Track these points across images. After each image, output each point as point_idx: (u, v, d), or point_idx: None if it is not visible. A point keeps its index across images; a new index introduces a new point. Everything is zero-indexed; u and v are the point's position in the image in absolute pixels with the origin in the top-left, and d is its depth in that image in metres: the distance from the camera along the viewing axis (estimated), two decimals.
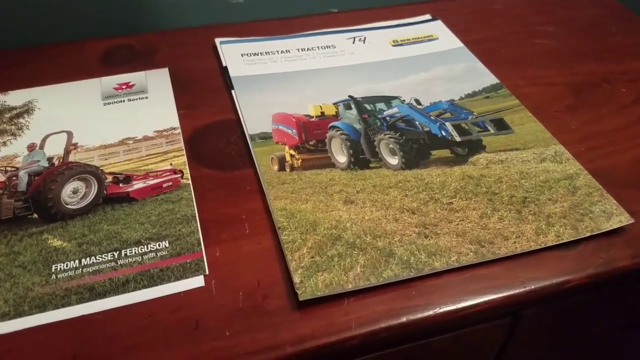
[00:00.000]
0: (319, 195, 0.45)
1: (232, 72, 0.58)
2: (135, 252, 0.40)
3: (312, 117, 0.53)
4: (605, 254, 0.41)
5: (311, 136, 0.51)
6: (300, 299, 0.36)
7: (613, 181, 0.47)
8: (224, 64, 0.59)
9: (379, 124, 0.53)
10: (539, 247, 0.40)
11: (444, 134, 0.51)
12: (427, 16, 0.69)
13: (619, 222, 0.42)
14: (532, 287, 0.39)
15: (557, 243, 0.41)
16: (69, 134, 0.51)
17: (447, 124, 0.52)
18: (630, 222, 0.42)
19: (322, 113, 0.54)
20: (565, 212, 0.43)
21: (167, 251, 0.40)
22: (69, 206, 0.44)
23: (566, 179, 0.46)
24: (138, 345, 0.35)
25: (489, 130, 0.52)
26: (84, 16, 0.70)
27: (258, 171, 0.47)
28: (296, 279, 0.37)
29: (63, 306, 0.36)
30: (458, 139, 0.51)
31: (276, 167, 0.47)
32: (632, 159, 0.49)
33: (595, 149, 0.50)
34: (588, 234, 0.41)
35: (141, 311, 0.37)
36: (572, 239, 0.41)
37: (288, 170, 0.47)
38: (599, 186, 0.45)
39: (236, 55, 0.60)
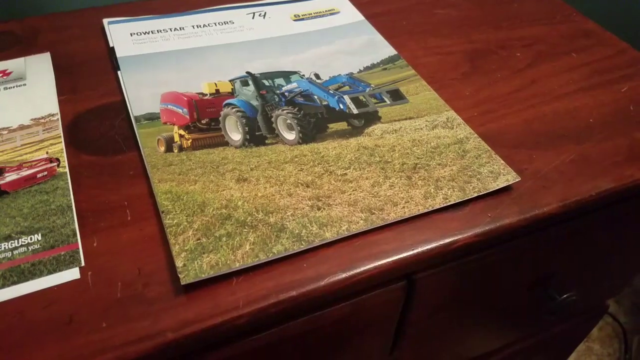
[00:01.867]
0: (210, 175, 0.43)
1: (120, 53, 0.54)
2: (4, 247, 0.37)
3: (206, 94, 0.51)
4: (493, 212, 0.41)
5: (204, 115, 0.49)
6: (182, 283, 0.35)
7: (504, 142, 0.47)
8: (111, 45, 0.56)
9: (277, 99, 0.51)
10: (427, 210, 0.40)
11: (341, 107, 0.50)
12: None
13: (506, 181, 0.43)
14: (421, 249, 0.39)
15: (445, 205, 0.41)
16: None
17: (345, 97, 0.51)
18: (517, 180, 0.43)
19: (217, 91, 0.51)
20: (454, 175, 0.43)
21: (40, 244, 0.37)
22: None
23: (456, 144, 0.46)
24: (5, 347, 0.32)
25: (385, 102, 0.51)
26: None
27: (142, 154, 0.44)
28: (179, 263, 0.36)
29: None
30: (355, 111, 0.50)
31: (163, 149, 0.45)
32: (523, 120, 0.50)
33: (487, 113, 0.51)
34: (475, 195, 0.42)
35: (9, 310, 0.34)
36: (460, 200, 0.41)
37: (176, 151, 0.45)
38: (488, 148, 0.46)
39: (125, 35, 0.57)
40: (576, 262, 0.56)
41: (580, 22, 0.65)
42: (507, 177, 0.43)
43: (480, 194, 0.42)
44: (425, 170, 0.44)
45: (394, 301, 0.44)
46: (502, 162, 0.44)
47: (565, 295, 0.53)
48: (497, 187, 0.42)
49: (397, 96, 0.52)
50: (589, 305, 0.73)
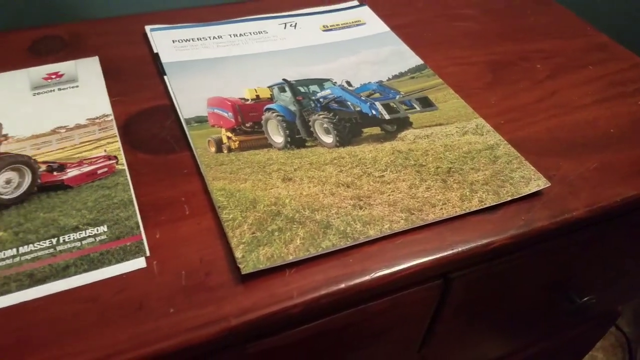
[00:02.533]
0: (258, 175, 0.46)
1: (164, 58, 0.57)
2: (73, 237, 0.40)
3: (248, 100, 0.54)
4: (526, 216, 0.44)
5: (247, 118, 0.52)
6: (243, 272, 0.37)
7: (530, 149, 0.51)
8: (155, 51, 0.59)
9: (313, 105, 0.54)
10: (463, 212, 0.44)
11: (374, 112, 0.54)
12: (355, 2, 0.71)
13: (537, 186, 0.46)
14: (460, 249, 0.42)
15: (481, 208, 0.44)
16: None
17: (377, 103, 0.55)
18: (547, 185, 0.46)
19: (257, 96, 0.55)
20: (487, 179, 0.46)
21: (106, 235, 0.40)
22: (3, 196, 0.43)
23: (487, 149, 0.49)
24: (82, 328, 0.35)
25: (415, 108, 0.54)
26: (8, 7, 0.67)
27: (195, 153, 0.47)
28: (238, 254, 0.39)
29: (2, 294, 0.36)
30: (387, 116, 0.53)
31: (213, 149, 0.48)
32: (547, 129, 0.53)
33: (513, 121, 0.54)
34: (509, 198, 0.45)
35: (83, 295, 0.37)
36: (495, 204, 0.44)
37: (225, 151, 0.48)
38: (518, 154, 0.49)
39: (167, 41, 0.60)
40: (596, 266, 0.59)
41: (595, 36, 0.69)
42: (538, 182, 0.46)
43: (514, 197, 0.45)
44: (459, 174, 0.47)
45: (429, 299, 0.47)
46: (532, 167, 0.48)
47: (586, 298, 0.56)
48: (530, 192, 0.45)
49: (426, 103, 0.55)
50: (603, 310, 0.76)
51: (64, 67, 0.57)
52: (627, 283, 0.70)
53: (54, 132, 0.49)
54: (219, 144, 0.48)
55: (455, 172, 0.47)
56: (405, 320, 0.48)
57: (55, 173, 0.45)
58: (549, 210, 0.45)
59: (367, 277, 0.39)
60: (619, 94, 0.59)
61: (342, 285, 0.38)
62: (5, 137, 0.48)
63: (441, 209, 0.44)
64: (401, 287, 0.43)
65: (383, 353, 0.51)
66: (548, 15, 0.73)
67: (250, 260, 0.38)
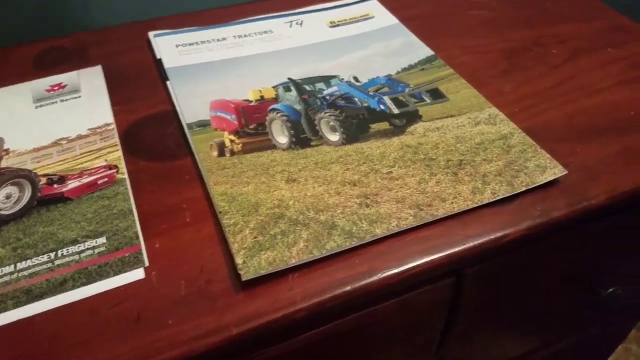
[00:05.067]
0: (261, 177, 0.44)
1: (167, 64, 0.57)
2: (72, 251, 0.39)
3: (252, 101, 0.52)
4: (542, 206, 0.42)
5: (251, 120, 0.50)
6: (243, 279, 0.36)
7: (548, 136, 0.48)
8: (158, 57, 0.58)
9: (319, 103, 0.53)
10: (475, 205, 0.41)
11: (382, 107, 0.52)
12: None
13: (553, 175, 0.43)
14: (472, 243, 0.39)
15: (494, 200, 0.42)
16: (0, 141, 0.49)
17: (385, 97, 0.53)
18: (564, 173, 0.43)
19: (262, 97, 0.53)
20: (501, 170, 0.44)
21: (105, 247, 0.39)
22: (2, 212, 0.42)
23: (500, 139, 0.47)
24: (81, 342, 0.34)
25: (425, 101, 0.52)
26: (14, 21, 0.67)
27: (197, 158, 0.46)
28: (239, 260, 0.37)
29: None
30: (396, 111, 0.51)
31: (215, 153, 0.47)
32: (565, 115, 0.50)
33: (529, 108, 0.51)
34: (524, 189, 0.42)
35: (82, 308, 0.36)
36: (509, 195, 0.42)
37: (228, 155, 0.47)
38: (533, 142, 0.46)
39: (171, 46, 0.59)
40: (621, 255, 0.55)
41: (613, 17, 0.65)
42: (554, 170, 0.44)
43: (529, 187, 0.42)
44: (471, 166, 0.44)
45: (442, 298, 0.44)
46: (548, 155, 0.45)
47: (611, 290, 0.53)
48: (545, 181, 0.43)
49: (437, 95, 0.53)
50: (631, 301, 0.72)
51: (67, 78, 0.56)
52: None
53: (55, 144, 0.48)
54: (221, 148, 0.47)
55: (466, 164, 0.45)
56: (418, 321, 0.46)
57: (55, 185, 0.45)
58: (567, 198, 0.42)
59: (374, 278, 0.37)
60: (639, 76, 0.56)
61: (348, 288, 0.37)
62: (7, 151, 0.47)
63: (452, 203, 0.41)
64: (411, 286, 0.41)
65: (397, 356, 0.49)
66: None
67: (251, 266, 0.37)
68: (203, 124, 0.49)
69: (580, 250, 0.51)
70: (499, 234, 0.40)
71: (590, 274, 0.54)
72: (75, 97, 0.54)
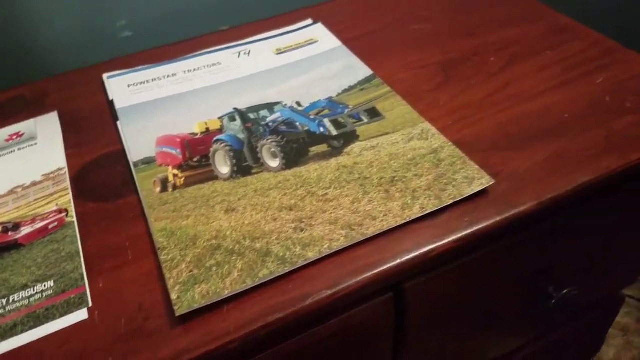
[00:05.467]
0: (201, 209, 0.46)
1: (118, 104, 0.59)
2: (22, 296, 0.41)
3: (197, 134, 0.55)
4: (469, 217, 0.43)
5: (195, 153, 0.52)
6: (177, 314, 0.38)
7: (479, 147, 0.49)
8: (110, 98, 0.60)
9: (262, 130, 0.55)
10: (404, 221, 0.43)
11: (322, 130, 0.53)
12: (309, 21, 0.71)
13: (480, 185, 0.45)
14: (401, 260, 0.41)
15: (423, 214, 0.43)
16: None
17: (325, 120, 0.54)
18: (491, 183, 0.45)
19: (207, 129, 0.55)
20: (430, 184, 0.45)
21: (53, 290, 0.41)
22: None
23: (431, 154, 0.48)
24: None
25: (363, 120, 0.54)
26: None
27: (141, 196, 0.48)
28: (173, 296, 0.39)
29: None
30: (334, 132, 0.53)
31: (159, 189, 0.49)
32: (498, 124, 0.52)
33: (462, 120, 0.53)
34: (451, 201, 0.44)
35: (29, 352, 0.38)
36: (436, 208, 0.43)
37: (170, 190, 0.48)
38: (462, 155, 0.48)
39: (123, 87, 0.62)
40: (570, 256, 0.57)
41: (553, 19, 0.67)
42: (482, 180, 0.45)
43: (456, 200, 0.44)
44: (403, 182, 0.46)
45: (383, 313, 0.46)
46: (476, 167, 0.46)
47: (564, 292, 0.54)
48: (472, 192, 0.44)
49: (374, 114, 0.55)
50: (600, 297, 0.73)
51: (24, 126, 0.59)
52: (616, 267, 0.66)
53: (11, 192, 0.51)
54: (164, 183, 0.49)
55: (398, 181, 0.46)
56: (364, 337, 0.47)
57: (10, 233, 0.47)
58: (494, 208, 0.44)
59: (306, 302, 0.39)
60: (578, 76, 0.57)
61: (280, 315, 0.38)
62: None
63: (382, 220, 0.43)
64: (347, 306, 0.42)
65: None
66: (506, 4, 0.71)
67: (185, 301, 0.38)
68: (148, 161, 0.51)
69: (522, 256, 0.52)
70: (426, 249, 0.41)
71: (539, 276, 0.55)
72: (32, 145, 0.56)
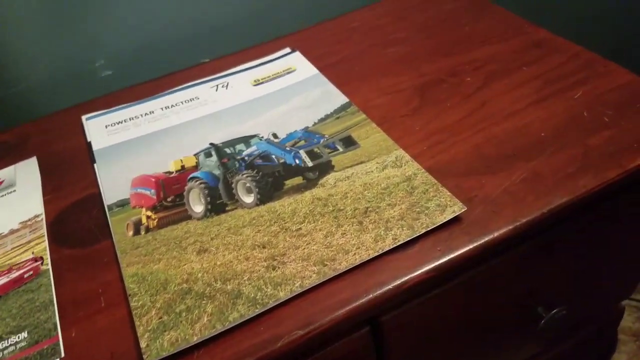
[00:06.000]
0: (173, 252, 0.46)
1: (95, 145, 0.59)
2: None
3: (172, 172, 0.54)
4: (442, 246, 0.42)
5: (170, 192, 0.52)
6: None
7: (454, 172, 0.49)
8: (88, 140, 0.61)
9: (237, 165, 0.54)
10: (377, 253, 0.42)
11: (297, 162, 0.53)
12: (287, 49, 0.72)
13: (452, 213, 0.44)
14: (374, 294, 0.40)
15: (395, 245, 0.42)
16: None
17: (301, 151, 0.54)
18: (463, 210, 0.44)
19: (183, 167, 0.55)
20: (403, 214, 0.45)
21: (26, 341, 0.41)
22: None
23: (405, 181, 0.48)
24: None
25: (339, 150, 0.54)
26: None
27: (114, 240, 0.48)
28: (142, 344, 0.38)
29: None
30: (310, 164, 0.53)
31: (131, 233, 0.48)
32: (473, 146, 0.51)
33: (437, 144, 0.52)
34: (424, 230, 0.43)
35: None
36: (409, 238, 0.43)
37: (143, 232, 0.48)
38: (435, 181, 0.47)
39: (100, 128, 0.62)
40: (554, 276, 0.55)
41: (532, 33, 0.66)
42: (454, 208, 0.44)
43: (429, 228, 0.43)
44: (376, 212, 0.45)
45: (362, 347, 0.45)
46: (449, 193, 0.46)
47: (554, 311, 0.53)
48: (445, 220, 0.44)
49: (349, 142, 0.54)
50: (596, 313, 0.71)
51: (4, 173, 0.59)
52: (608, 283, 0.65)
53: None
54: (137, 226, 0.49)
55: (372, 212, 0.46)
56: None
57: None
58: (468, 235, 0.43)
59: (279, 344, 0.38)
60: (555, 91, 0.57)
61: (251, 359, 0.37)
62: None
63: (354, 254, 0.42)
64: (323, 343, 0.42)
65: None
66: (484, 20, 0.71)
67: (154, 349, 0.38)
68: (122, 204, 0.51)
69: (504, 281, 0.51)
70: (399, 281, 0.41)
71: (526, 298, 0.54)
72: (10, 192, 0.56)
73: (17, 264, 0.48)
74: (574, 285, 0.59)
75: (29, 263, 0.48)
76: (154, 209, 0.51)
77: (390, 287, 0.40)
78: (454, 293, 0.47)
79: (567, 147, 0.50)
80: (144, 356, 0.37)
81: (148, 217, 0.50)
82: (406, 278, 0.41)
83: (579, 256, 0.56)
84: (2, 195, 0.56)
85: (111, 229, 0.49)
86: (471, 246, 0.42)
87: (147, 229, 0.48)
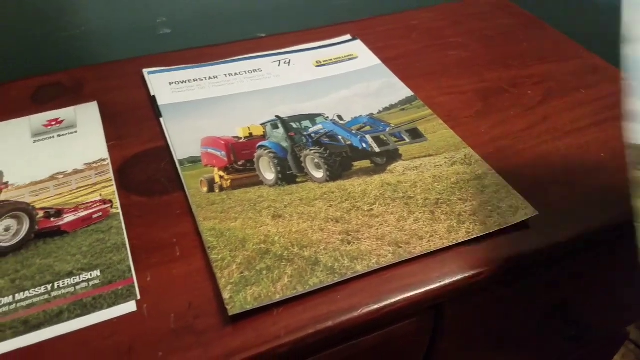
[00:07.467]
0: (248, 213, 0.47)
1: (160, 101, 0.59)
2: (68, 283, 0.41)
3: (241, 138, 0.55)
4: (513, 245, 0.44)
5: (240, 157, 0.53)
6: (230, 314, 0.38)
7: (520, 177, 0.51)
8: (152, 94, 0.61)
9: (304, 140, 0.55)
10: (451, 243, 0.44)
11: (364, 146, 0.54)
12: (348, 36, 0.73)
13: (525, 215, 0.46)
14: (447, 281, 0.42)
15: (468, 239, 0.44)
16: None
17: (367, 136, 0.55)
18: (535, 214, 0.46)
19: (251, 134, 0.56)
20: (475, 210, 0.47)
21: (99, 280, 0.41)
22: (1, 244, 0.44)
23: (475, 179, 0.50)
24: None
25: (405, 140, 0.55)
26: (12, 57, 0.70)
27: (187, 194, 0.48)
28: (226, 295, 0.39)
29: None
30: (377, 149, 0.54)
31: (205, 189, 0.49)
32: (538, 156, 0.54)
33: (503, 149, 0.54)
34: (497, 228, 0.45)
35: (76, 339, 0.38)
36: (482, 234, 0.45)
37: (217, 191, 0.49)
38: (506, 184, 0.49)
39: (164, 84, 0.62)
40: (589, 290, 0.58)
41: (587, 58, 0.69)
42: (526, 211, 0.46)
43: (502, 227, 0.45)
44: (447, 205, 0.47)
45: (423, 331, 0.47)
46: (520, 196, 0.48)
47: (584, 322, 0.56)
48: (517, 221, 0.46)
49: (416, 135, 0.56)
50: (607, 332, 0.75)
51: (64, 113, 0.59)
52: (628, 304, 0.68)
53: (52, 178, 0.51)
54: (211, 184, 0.49)
55: (443, 203, 0.47)
56: (399, 353, 0.48)
57: (52, 219, 0.47)
58: (537, 238, 0.45)
59: (354, 314, 0.40)
60: (610, 117, 0.59)
61: (330, 323, 0.39)
62: (6, 184, 0.49)
63: (428, 241, 0.44)
64: (390, 321, 0.43)
65: None
66: (540, 40, 0.73)
67: (237, 301, 0.39)
68: (194, 160, 0.52)
69: (550, 286, 0.53)
70: (473, 272, 0.42)
71: (563, 308, 0.56)
72: (72, 133, 0.56)
73: (84, 203, 0.48)
74: (606, 300, 0.62)
75: (97, 204, 0.48)
76: (226, 170, 0.51)
77: (464, 276, 0.42)
78: (509, 292, 0.49)
79: (624, 170, 0.52)
80: (228, 307, 0.38)
81: (221, 177, 0.50)
82: (481, 270, 0.42)
83: (616, 274, 0.58)
84: (63, 135, 0.56)
85: (184, 183, 0.49)
86: (539, 249, 0.44)
87: (221, 188, 0.49)
